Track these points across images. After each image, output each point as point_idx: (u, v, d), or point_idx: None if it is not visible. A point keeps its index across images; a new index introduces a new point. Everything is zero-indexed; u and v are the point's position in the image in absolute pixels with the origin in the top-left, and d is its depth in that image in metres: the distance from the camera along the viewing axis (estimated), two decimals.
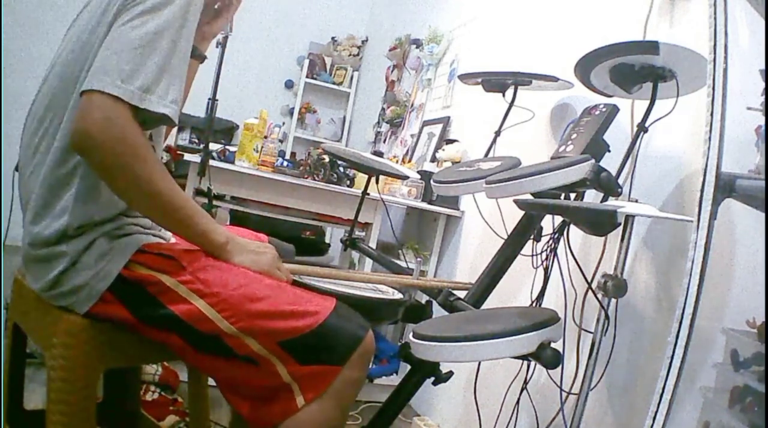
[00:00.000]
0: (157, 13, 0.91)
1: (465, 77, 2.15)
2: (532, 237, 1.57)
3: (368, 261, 2.38)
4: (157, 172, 0.93)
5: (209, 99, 2.46)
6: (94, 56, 0.91)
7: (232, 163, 2.22)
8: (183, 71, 0.95)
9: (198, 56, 1.27)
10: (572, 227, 1.50)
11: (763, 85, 1.02)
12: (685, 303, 0.86)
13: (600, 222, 1.10)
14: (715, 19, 0.91)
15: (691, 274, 0.86)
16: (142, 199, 0.95)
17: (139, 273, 0.98)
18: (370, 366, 2.41)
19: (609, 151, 1.50)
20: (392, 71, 3.72)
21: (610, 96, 1.58)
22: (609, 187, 1.28)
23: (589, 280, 1.43)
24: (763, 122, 1.01)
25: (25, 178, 1.02)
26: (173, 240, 1.15)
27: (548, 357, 1.02)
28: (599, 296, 1.30)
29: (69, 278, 0.97)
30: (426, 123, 3.03)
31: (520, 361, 1.58)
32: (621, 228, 1.27)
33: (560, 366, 1.03)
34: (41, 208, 0.98)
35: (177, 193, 0.96)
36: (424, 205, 2.49)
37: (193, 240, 1.02)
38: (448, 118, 2.79)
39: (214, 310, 0.96)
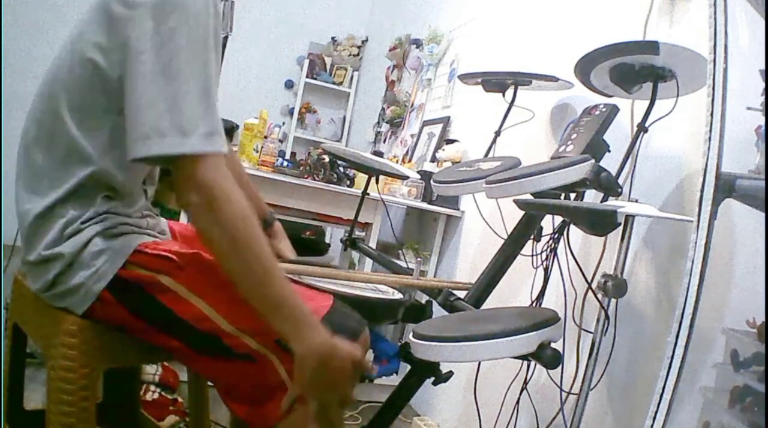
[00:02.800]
0: None
1: (465, 77, 2.15)
2: (532, 237, 1.57)
3: (368, 261, 2.38)
4: (248, 241, 0.88)
5: None
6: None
7: None
8: None
9: None
10: (572, 227, 1.50)
11: (763, 85, 1.02)
12: (685, 303, 0.86)
13: (600, 222, 1.10)
14: (715, 19, 0.91)
15: (691, 274, 0.86)
16: (236, 271, 0.90)
17: (138, 274, 0.97)
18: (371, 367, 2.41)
19: (609, 151, 1.50)
20: (392, 71, 3.72)
21: (610, 96, 1.58)
22: (609, 187, 1.28)
23: (589, 280, 1.43)
24: (763, 122, 1.01)
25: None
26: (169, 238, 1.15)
27: (548, 357, 1.02)
28: (599, 296, 1.30)
29: (66, 278, 0.96)
30: (426, 123, 3.03)
31: (520, 361, 1.58)
32: (621, 228, 1.27)
33: (560, 366, 1.04)
34: (39, 179, 0.98)
35: (270, 278, 0.90)
36: (424, 205, 2.49)
37: (275, 326, 0.92)
38: (448, 118, 2.79)
39: (214, 310, 0.96)
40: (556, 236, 1.54)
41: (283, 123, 4.37)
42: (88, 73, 0.93)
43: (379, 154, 2.32)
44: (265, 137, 2.32)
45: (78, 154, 0.95)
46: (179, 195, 0.88)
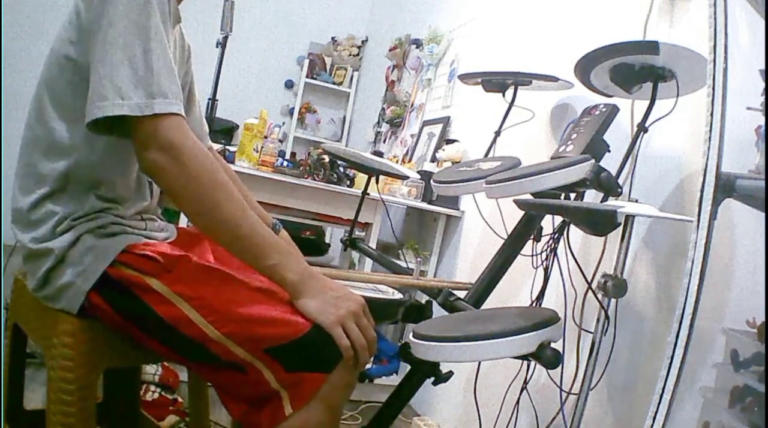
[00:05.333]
0: None
1: (465, 77, 2.15)
2: (532, 237, 1.57)
3: (368, 261, 2.38)
4: (220, 195, 0.93)
5: (209, 99, 2.47)
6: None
7: (232, 163, 2.22)
8: None
9: None
10: (572, 227, 1.50)
11: (763, 85, 1.02)
12: (685, 303, 0.86)
13: (600, 222, 1.10)
14: (715, 19, 0.91)
15: (691, 274, 0.86)
16: (208, 223, 0.95)
17: (125, 274, 0.97)
18: (370, 367, 2.41)
19: (609, 151, 1.50)
20: (392, 71, 3.72)
21: (610, 96, 1.58)
22: (609, 187, 1.28)
23: (589, 280, 1.43)
24: (763, 122, 1.01)
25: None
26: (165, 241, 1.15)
27: (548, 357, 1.02)
28: (599, 296, 1.30)
29: (57, 276, 0.97)
30: (426, 123, 3.03)
31: (520, 361, 1.58)
32: (621, 228, 1.27)
33: (560, 366, 1.03)
34: (27, 176, 1.00)
35: (242, 219, 0.95)
36: (424, 205, 2.49)
37: (263, 273, 0.99)
38: (448, 118, 2.79)
39: (199, 314, 0.94)
40: (556, 236, 1.54)
41: (283, 123, 4.37)
42: (64, 68, 0.98)
43: (379, 154, 2.32)
44: (265, 137, 2.32)
45: (59, 147, 0.98)
46: (139, 159, 0.92)
